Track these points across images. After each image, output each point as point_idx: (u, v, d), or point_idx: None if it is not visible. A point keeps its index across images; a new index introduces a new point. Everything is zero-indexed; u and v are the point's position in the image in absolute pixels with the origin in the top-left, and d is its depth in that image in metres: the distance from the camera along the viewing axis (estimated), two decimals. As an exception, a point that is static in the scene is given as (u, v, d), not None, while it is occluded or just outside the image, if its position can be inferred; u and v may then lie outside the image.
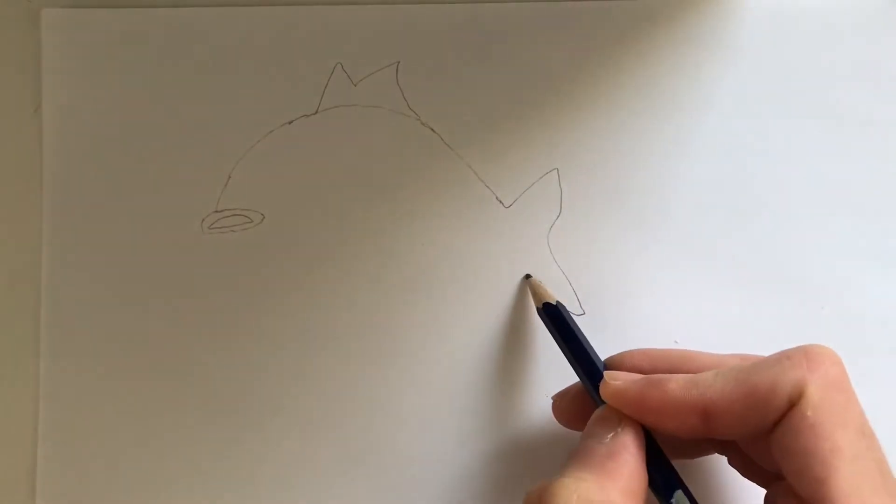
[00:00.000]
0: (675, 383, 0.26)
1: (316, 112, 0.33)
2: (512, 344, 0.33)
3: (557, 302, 0.31)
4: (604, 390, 0.27)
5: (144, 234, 0.32)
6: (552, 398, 0.31)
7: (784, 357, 0.25)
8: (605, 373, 0.28)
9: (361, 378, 0.32)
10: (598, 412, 0.27)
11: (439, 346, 0.33)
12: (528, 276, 0.33)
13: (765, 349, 0.33)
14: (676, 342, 0.33)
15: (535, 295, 0.32)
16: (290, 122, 0.33)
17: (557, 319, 0.31)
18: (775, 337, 0.33)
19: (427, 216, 0.33)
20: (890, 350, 0.33)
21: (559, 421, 0.30)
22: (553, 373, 0.32)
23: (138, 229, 0.32)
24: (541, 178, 0.33)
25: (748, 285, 0.33)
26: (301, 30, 0.33)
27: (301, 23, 0.33)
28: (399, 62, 0.33)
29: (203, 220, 0.33)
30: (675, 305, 0.33)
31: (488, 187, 0.33)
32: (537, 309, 0.32)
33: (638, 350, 0.30)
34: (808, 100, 0.34)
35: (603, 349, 0.32)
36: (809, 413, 0.23)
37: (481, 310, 0.33)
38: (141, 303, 0.32)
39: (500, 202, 0.33)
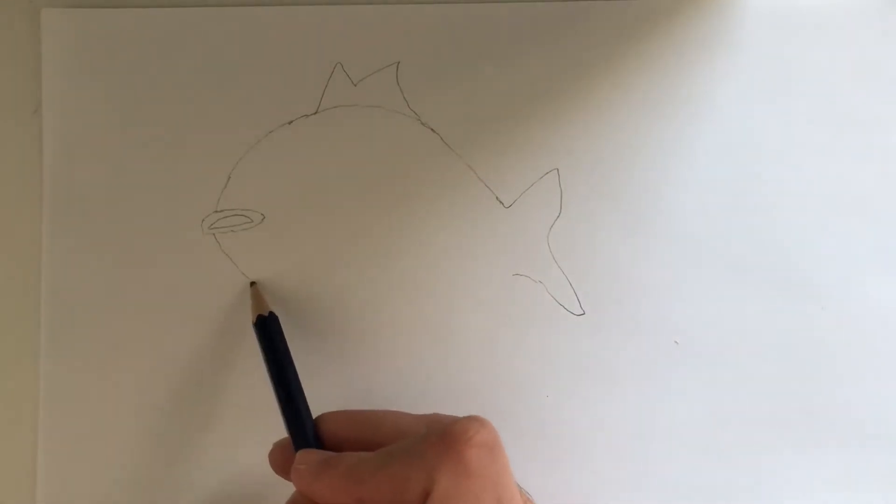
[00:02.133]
0: (336, 471, 0.25)
1: (316, 112, 0.33)
2: (513, 343, 0.33)
3: (270, 313, 0.31)
4: (293, 474, 0.27)
5: (144, 233, 0.32)
6: (273, 446, 0.29)
7: (424, 441, 0.24)
8: (297, 455, 0.27)
9: (360, 378, 0.32)
10: (289, 500, 0.27)
11: (439, 346, 0.33)
12: (253, 283, 0.32)
13: (765, 349, 0.33)
14: (677, 342, 0.33)
15: (256, 304, 0.31)
16: (290, 122, 0.33)
17: (269, 334, 0.30)
18: (776, 335, 0.33)
19: (427, 216, 0.33)
20: (890, 350, 0.33)
21: (275, 471, 0.29)
22: (552, 372, 0.32)
23: (138, 229, 0.32)
24: (541, 178, 0.33)
25: (748, 285, 0.33)
26: (301, 30, 0.33)
27: (301, 23, 0.33)
28: (399, 62, 0.33)
29: (203, 219, 0.33)
30: (675, 306, 0.33)
31: (488, 187, 0.33)
32: (254, 321, 0.31)
33: (340, 412, 0.29)
34: (809, 100, 0.34)
35: (603, 349, 0.33)
36: None
37: (481, 309, 0.33)
38: (141, 303, 0.32)
39: (500, 202, 0.33)
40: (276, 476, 0.28)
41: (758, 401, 0.33)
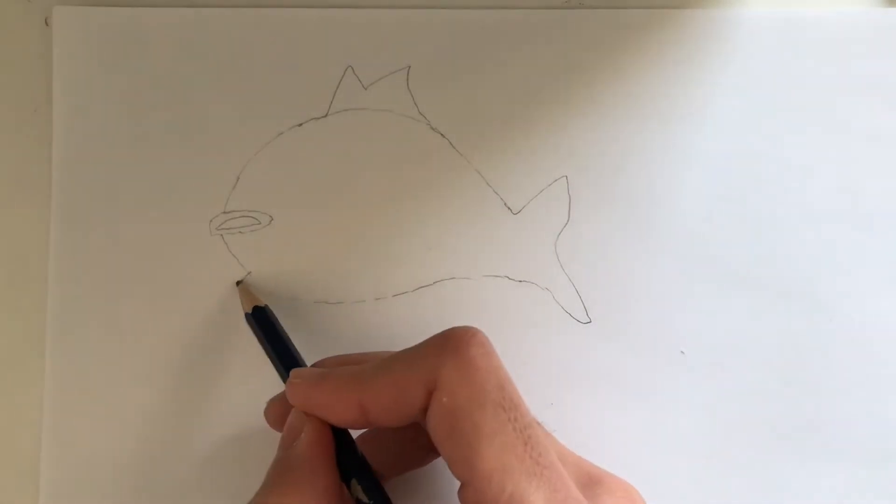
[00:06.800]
0: (336, 378, 0.26)
1: (326, 115, 0.33)
2: (518, 350, 0.32)
3: (266, 305, 0.31)
4: (286, 389, 0.27)
5: (152, 234, 0.32)
6: (267, 402, 0.29)
7: (423, 345, 0.25)
8: (291, 373, 0.27)
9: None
10: (287, 420, 0.27)
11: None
12: (239, 282, 0.32)
13: (771, 360, 0.33)
14: (683, 352, 0.33)
15: (246, 299, 0.31)
16: (300, 125, 0.33)
17: (265, 323, 0.30)
18: (782, 346, 0.33)
19: (434, 221, 0.33)
20: (895, 359, 0.33)
21: (271, 426, 0.29)
22: (557, 380, 0.32)
23: (146, 229, 0.32)
24: (550, 185, 0.33)
25: (755, 295, 0.33)
26: (312, 32, 0.33)
27: (312, 25, 0.33)
28: (410, 66, 0.33)
29: (211, 220, 0.33)
30: (681, 314, 0.33)
31: (497, 193, 0.33)
32: (246, 314, 0.31)
33: (334, 356, 0.29)
34: (814, 110, 0.34)
35: (609, 358, 0.32)
36: (445, 399, 0.24)
37: (486, 316, 0.33)
38: (148, 303, 0.32)
39: (509, 208, 0.33)
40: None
41: (764, 412, 0.33)
